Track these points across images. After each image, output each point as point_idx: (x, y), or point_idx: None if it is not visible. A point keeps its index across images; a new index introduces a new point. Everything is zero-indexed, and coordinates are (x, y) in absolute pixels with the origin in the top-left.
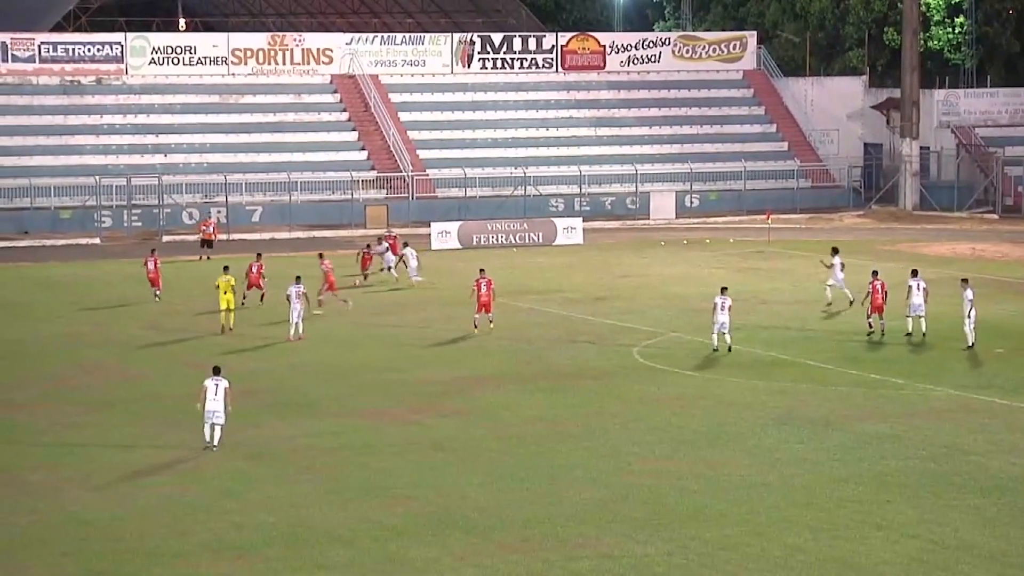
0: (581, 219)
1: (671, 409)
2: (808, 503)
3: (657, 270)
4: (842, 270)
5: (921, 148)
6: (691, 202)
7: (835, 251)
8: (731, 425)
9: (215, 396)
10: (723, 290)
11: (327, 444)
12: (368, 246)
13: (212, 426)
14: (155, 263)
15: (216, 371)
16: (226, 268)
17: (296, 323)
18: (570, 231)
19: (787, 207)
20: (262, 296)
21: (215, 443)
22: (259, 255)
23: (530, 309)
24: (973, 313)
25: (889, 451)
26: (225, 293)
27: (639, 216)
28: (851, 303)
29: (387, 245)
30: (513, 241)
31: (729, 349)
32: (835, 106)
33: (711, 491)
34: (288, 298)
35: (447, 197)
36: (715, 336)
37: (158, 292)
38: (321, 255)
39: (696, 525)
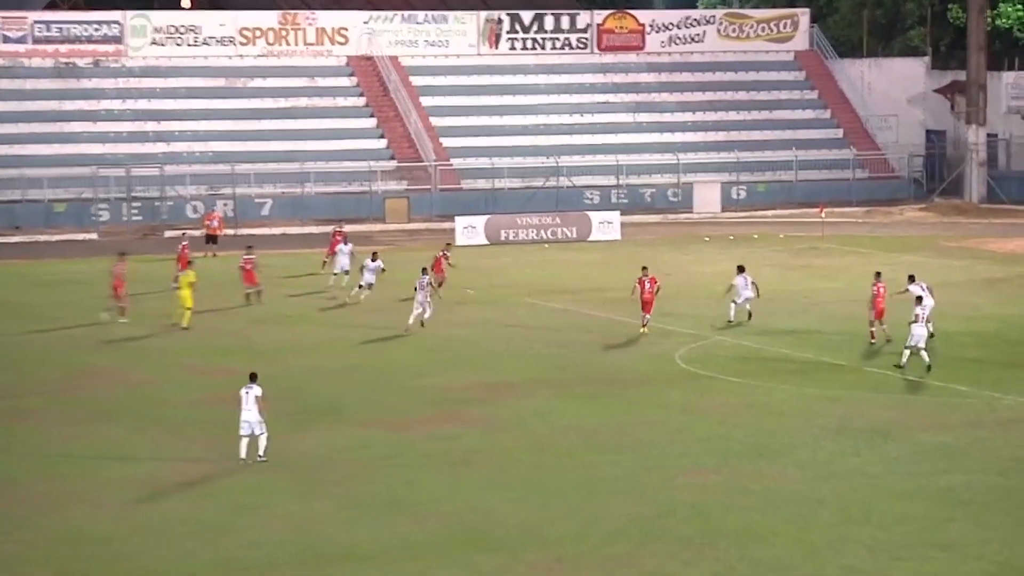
0: (618, 213)
1: (716, 418)
2: (865, 520)
3: (701, 268)
4: (749, 288)
5: (988, 135)
6: (738, 194)
7: (740, 269)
8: (781, 436)
9: (247, 406)
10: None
11: (348, 456)
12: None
13: (246, 438)
14: (120, 270)
15: (252, 378)
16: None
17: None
18: (606, 226)
19: (842, 199)
20: (258, 292)
21: (258, 455)
22: (249, 247)
23: (564, 310)
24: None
25: (952, 464)
26: (182, 289)
27: (681, 209)
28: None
29: (350, 248)
30: (545, 236)
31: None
32: (895, 90)
33: (760, 507)
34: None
35: (473, 189)
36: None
37: (119, 307)
38: (375, 254)
39: (744, 544)
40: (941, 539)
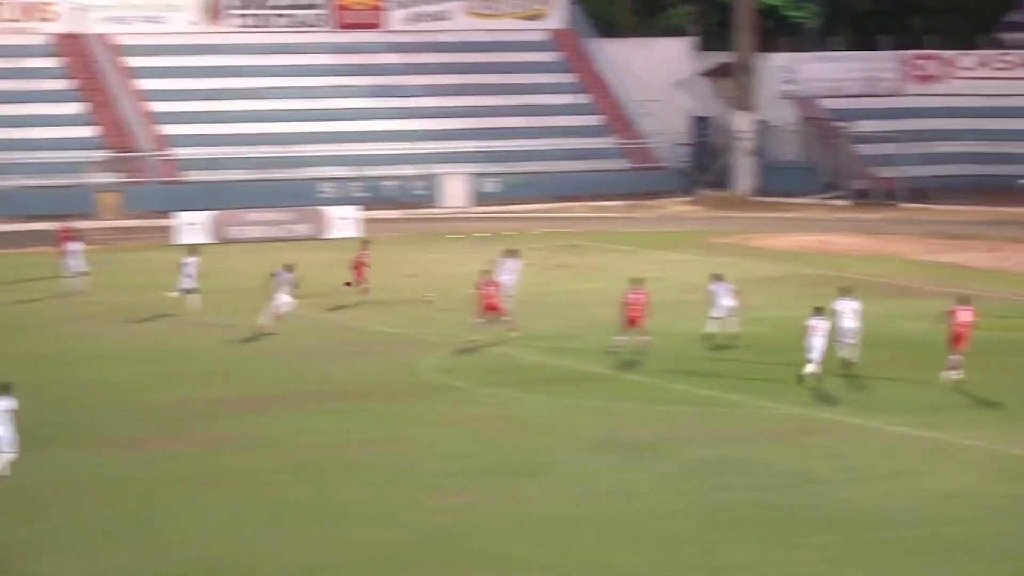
0: (358, 208)
1: (468, 433)
2: (631, 543)
3: (449, 269)
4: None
5: (758, 122)
6: (489, 187)
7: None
8: (539, 452)
9: None
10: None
11: (61, 479)
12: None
13: None
14: None
15: (3, 389)
16: None
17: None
18: (344, 222)
19: (603, 192)
20: None
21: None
22: None
23: (300, 316)
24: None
25: (724, 481)
26: None
27: (427, 204)
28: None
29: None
30: (277, 234)
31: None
32: (658, 73)
33: (516, 531)
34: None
35: (196, 181)
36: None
37: None
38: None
39: (499, 571)
40: (714, 562)
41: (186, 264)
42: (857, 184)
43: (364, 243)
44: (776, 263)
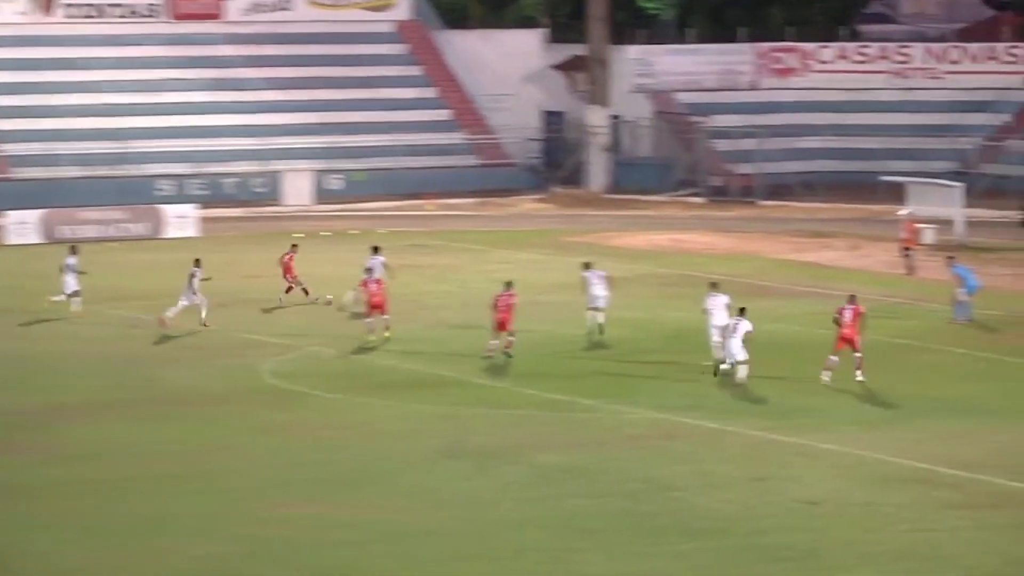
0: (196, 206)
1: (310, 441)
2: (479, 554)
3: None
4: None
5: (612, 117)
6: (334, 184)
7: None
8: (384, 460)
9: None
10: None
11: None
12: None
13: None
14: None
15: None
16: None
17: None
18: (182, 220)
19: (451, 190)
20: None
21: None
22: None
23: (136, 319)
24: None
25: (576, 488)
26: None
27: (269, 201)
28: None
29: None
30: (111, 234)
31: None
32: (509, 66)
33: (360, 542)
34: None
35: (27, 179)
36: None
37: None
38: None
39: None
40: (565, 572)
41: (68, 265)
42: (714, 181)
43: (293, 246)
44: (631, 263)
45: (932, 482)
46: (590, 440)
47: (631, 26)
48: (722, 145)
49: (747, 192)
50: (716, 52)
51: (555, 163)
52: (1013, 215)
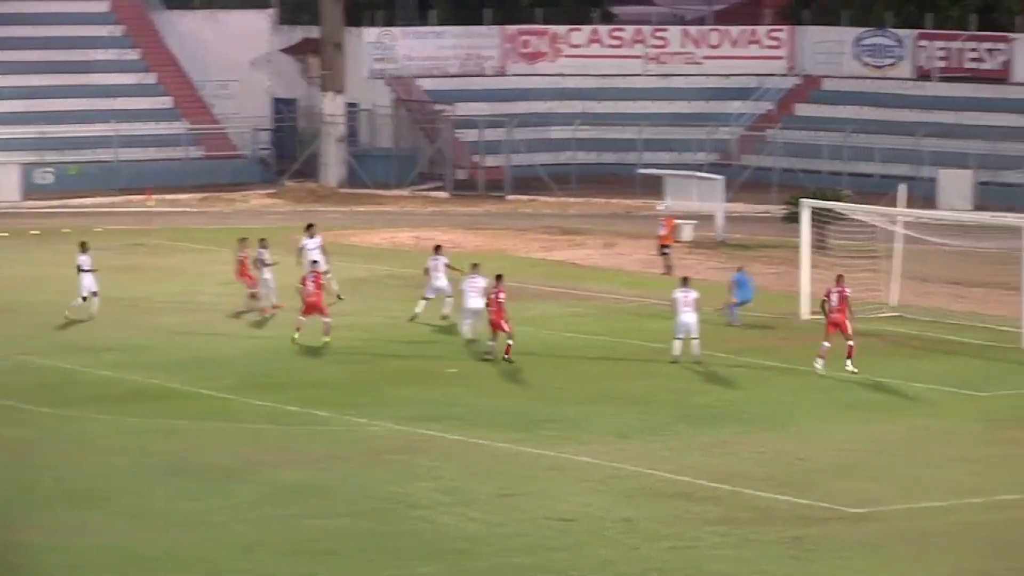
0: None
1: (19, 459)
2: None
3: None
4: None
5: (348, 105)
6: (43, 178)
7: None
8: (103, 479)
9: None
10: (685, 281)
11: None
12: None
13: None
14: None
15: None
16: None
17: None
18: None
19: (174, 184)
20: None
21: None
22: None
23: None
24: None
25: (312, 507)
26: None
27: None
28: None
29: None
30: None
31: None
32: (235, 49)
33: (72, 568)
34: None
35: None
36: (678, 342)
37: None
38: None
39: None
40: None
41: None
42: (459, 174)
43: (241, 241)
44: (370, 263)
45: (692, 496)
46: (327, 455)
47: (369, 7)
48: (467, 135)
49: (495, 186)
50: (460, 35)
51: (287, 155)
52: (777, 209)
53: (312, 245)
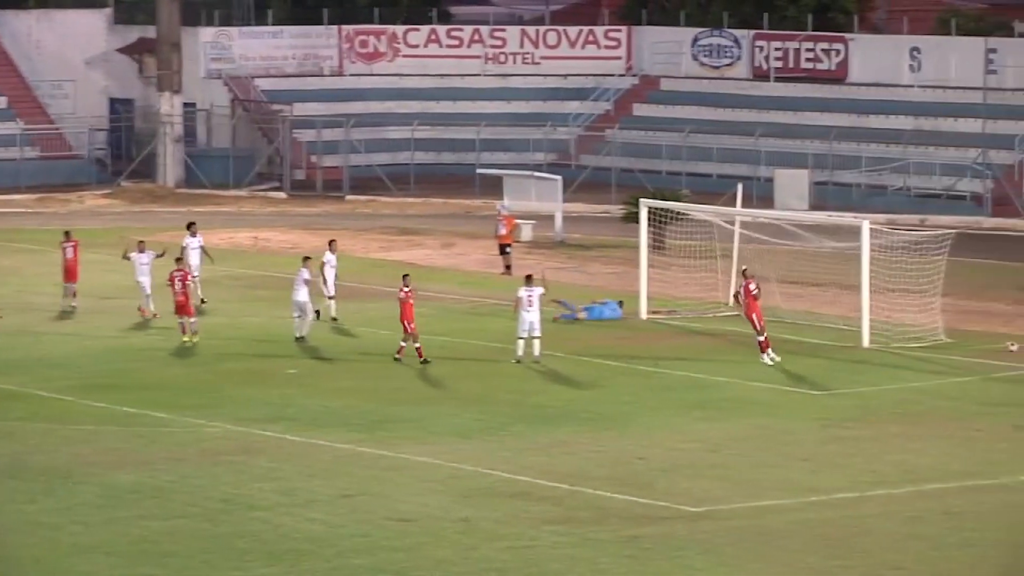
0: None
1: None
2: None
3: None
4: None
5: (185, 105)
6: None
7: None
8: None
9: None
10: (529, 279)
11: None
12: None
13: None
14: None
15: None
16: None
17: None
18: None
19: (7, 185)
20: None
21: None
22: None
23: None
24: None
25: (149, 509)
26: None
27: None
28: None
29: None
30: None
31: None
32: (70, 49)
33: None
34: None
35: None
36: (521, 342)
37: None
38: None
39: None
40: None
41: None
42: (297, 174)
43: (67, 234)
44: (209, 263)
45: (531, 496)
46: (164, 456)
47: (205, 6)
48: (305, 135)
49: (333, 186)
50: (297, 35)
51: (124, 155)
52: (616, 209)
53: (194, 244)
